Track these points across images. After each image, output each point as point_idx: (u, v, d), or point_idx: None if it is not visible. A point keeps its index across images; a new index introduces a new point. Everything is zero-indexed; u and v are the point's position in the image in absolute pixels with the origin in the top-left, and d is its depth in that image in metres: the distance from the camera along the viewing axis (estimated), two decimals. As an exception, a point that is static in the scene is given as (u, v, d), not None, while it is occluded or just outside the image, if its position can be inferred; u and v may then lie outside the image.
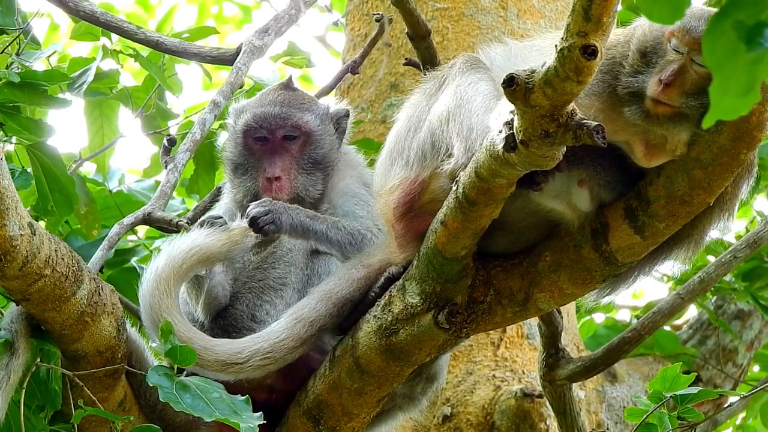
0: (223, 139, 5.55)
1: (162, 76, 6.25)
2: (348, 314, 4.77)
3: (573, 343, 6.84)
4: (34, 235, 4.39)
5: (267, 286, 5.03)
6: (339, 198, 5.25)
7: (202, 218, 5.02)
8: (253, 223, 4.89)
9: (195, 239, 4.80)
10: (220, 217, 4.97)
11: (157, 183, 6.41)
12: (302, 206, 5.14)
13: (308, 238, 5.02)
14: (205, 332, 5.01)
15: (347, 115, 5.41)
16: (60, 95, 5.78)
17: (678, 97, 4.12)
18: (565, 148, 4.05)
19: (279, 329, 4.77)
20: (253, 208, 4.94)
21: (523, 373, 6.61)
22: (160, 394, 4.35)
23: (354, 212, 5.17)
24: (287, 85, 5.38)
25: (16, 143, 5.35)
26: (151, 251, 6.34)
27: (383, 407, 4.91)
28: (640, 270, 4.54)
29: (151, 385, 4.39)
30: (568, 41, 3.75)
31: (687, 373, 4.67)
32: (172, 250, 4.78)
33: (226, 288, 5.04)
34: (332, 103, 5.47)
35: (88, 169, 6.85)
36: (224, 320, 5.03)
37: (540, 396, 6.33)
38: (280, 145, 5.24)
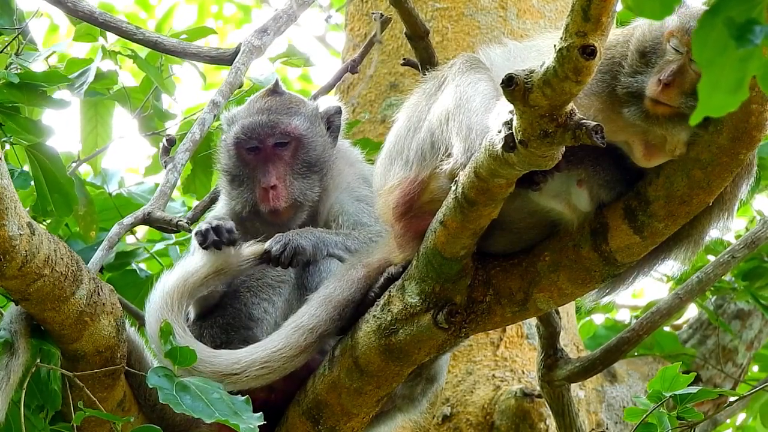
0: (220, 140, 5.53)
1: (159, 77, 6.24)
2: (349, 316, 4.77)
3: (573, 343, 6.84)
4: (34, 234, 4.39)
5: (266, 284, 5.02)
6: (347, 203, 5.22)
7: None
8: (278, 263, 4.89)
9: (205, 255, 4.86)
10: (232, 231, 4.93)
11: (157, 185, 6.40)
12: (302, 210, 5.15)
13: (325, 254, 5.00)
14: (203, 331, 5.02)
15: (339, 112, 5.37)
16: (59, 94, 5.77)
17: (677, 97, 4.11)
18: (564, 148, 4.05)
19: (277, 338, 4.76)
20: (271, 247, 4.89)
21: (523, 372, 6.60)
22: (160, 395, 4.35)
23: (362, 221, 5.16)
24: (274, 90, 5.35)
25: (14, 143, 5.34)
26: (152, 254, 6.35)
27: (383, 408, 4.91)
28: (640, 270, 4.54)
29: (150, 386, 4.38)
30: (567, 41, 3.75)
31: (687, 372, 4.67)
32: (185, 265, 4.86)
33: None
34: (322, 101, 5.45)
35: (87, 170, 6.85)
36: (223, 319, 5.03)
37: (540, 396, 6.33)
38: (272, 153, 5.21)
